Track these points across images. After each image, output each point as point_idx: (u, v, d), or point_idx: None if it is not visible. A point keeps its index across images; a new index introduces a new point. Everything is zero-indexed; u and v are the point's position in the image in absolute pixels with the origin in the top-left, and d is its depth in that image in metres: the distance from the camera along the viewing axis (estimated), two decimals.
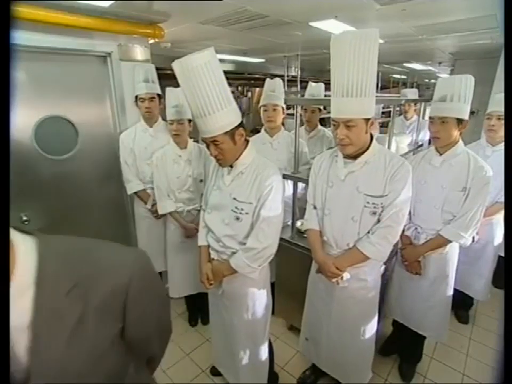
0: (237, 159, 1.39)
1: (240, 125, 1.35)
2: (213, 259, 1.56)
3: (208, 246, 1.58)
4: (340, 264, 1.45)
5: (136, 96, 2.26)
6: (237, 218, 1.41)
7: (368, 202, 1.37)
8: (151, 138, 2.32)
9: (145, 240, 2.51)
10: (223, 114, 1.27)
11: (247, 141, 1.43)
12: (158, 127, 2.35)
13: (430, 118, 1.69)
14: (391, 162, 1.36)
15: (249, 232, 1.42)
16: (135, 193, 2.37)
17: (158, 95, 2.29)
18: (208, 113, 1.25)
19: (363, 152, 1.37)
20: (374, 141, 1.39)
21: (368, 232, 1.42)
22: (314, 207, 1.59)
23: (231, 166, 1.42)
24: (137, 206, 2.46)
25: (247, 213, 1.39)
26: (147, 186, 2.35)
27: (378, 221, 1.40)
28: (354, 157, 1.39)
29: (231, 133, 1.31)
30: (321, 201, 1.52)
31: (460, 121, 1.59)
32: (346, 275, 1.47)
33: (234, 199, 1.40)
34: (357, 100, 1.23)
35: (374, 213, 1.38)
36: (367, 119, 1.29)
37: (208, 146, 1.37)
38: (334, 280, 1.48)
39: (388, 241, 1.39)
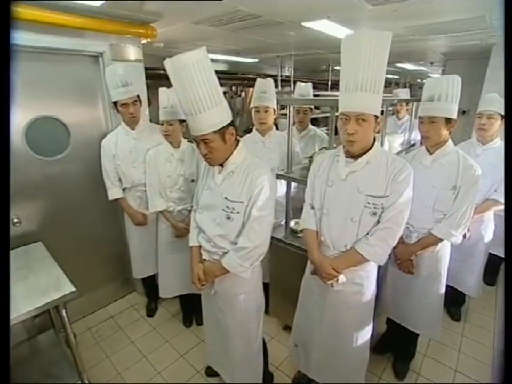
0: (228, 158, 1.39)
1: (231, 124, 1.35)
2: (205, 260, 1.55)
3: (200, 246, 1.58)
4: (336, 265, 1.42)
5: (115, 102, 2.16)
6: (228, 218, 1.40)
7: (368, 203, 1.35)
8: (135, 141, 2.28)
9: (136, 243, 2.50)
10: (214, 113, 1.27)
11: (238, 141, 1.42)
12: (140, 128, 2.31)
13: (419, 118, 1.70)
14: (393, 163, 1.35)
15: (240, 231, 1.42)
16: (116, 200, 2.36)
17: (138, 96, 2.23)
18: (198, 111, 1.25)
19: (365, 152, 1.36)
20: (376, 142, 1.38)
21: (367, 234, 1.39)
22: (312, 207, 1.57)
23: (222, 166, 1.41)
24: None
25: (238, 212, 1.39)
26: (137, 189, 2.33)
27: (378, 222, 1.38)
28: (356, 156, 1.38)
29: (221, 132, 1.31)
30: (319, 201, 1.50)
31: (448, 120, 1.61)
32: (342, 277, 1.44)
33: (226, 198, 1.40)
34: (370, 95, 1.25)
35: (374, 214, 1.36)
36: (376, 117, 1.30)
37: (198, 145, 1.37)
38: (329, 282, 1.46)
39: (386, 243, 1.37)
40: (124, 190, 2.39)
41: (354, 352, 1.63)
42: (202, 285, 1.52)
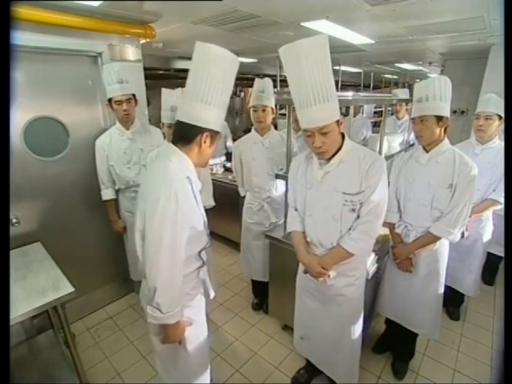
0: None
1: None
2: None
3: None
4: (324, 263, 1.48)
5: (110, 99, 2.16)
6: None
7: (346, 201, 1.39)
8: (129, 141, 2.28)
9: (132, 244, 2.47)
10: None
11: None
12: (135, 128, 2.30)
13: (412, 119, 1.74)
14: (365, 159, 1.37)
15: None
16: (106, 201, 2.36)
17: (133, 95, 2.23)
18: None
19: (336, 153, 1.39)
20: (346, 139, 1.41)
21: (350, 229, 1.44)
22: (296, 209, 1.62)
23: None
24: (122, 210, 2.42)
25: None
26: (132, 190, 2.32)
27: (358, 216, 1.42)
28: (330, 157, 1.40)
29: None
30: (301, 204, 1.55)
31: (439, 118, 1.62)
32: (332, 273, 1.49)
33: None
34: (326, 105, 1.25)
35: (353, 210, 1.40)
36: (337, 121, 1.31)
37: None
38: (321, 279, 1.50)
39: (368, 235, 1.42)
40: (118, 191, 2.38)
41: (352, 342, 1.67)
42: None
